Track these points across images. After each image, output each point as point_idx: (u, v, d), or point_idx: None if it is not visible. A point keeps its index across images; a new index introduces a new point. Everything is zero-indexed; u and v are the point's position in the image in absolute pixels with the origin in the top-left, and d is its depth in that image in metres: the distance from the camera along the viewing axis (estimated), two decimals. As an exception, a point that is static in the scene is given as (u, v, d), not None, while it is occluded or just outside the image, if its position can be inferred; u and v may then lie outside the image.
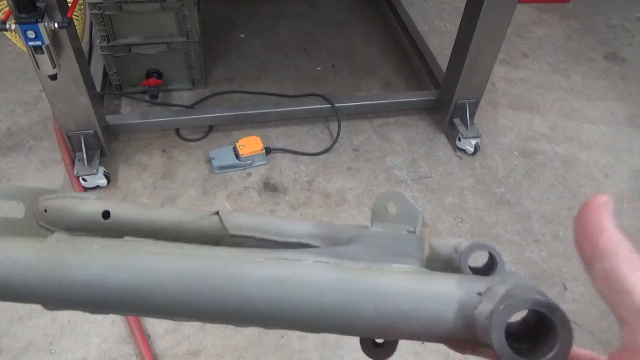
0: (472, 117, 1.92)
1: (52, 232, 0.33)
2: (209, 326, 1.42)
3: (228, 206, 1.72)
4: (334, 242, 0.32)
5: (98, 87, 1.90)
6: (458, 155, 1.96)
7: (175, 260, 0.28)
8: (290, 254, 0.29)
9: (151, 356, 1.33)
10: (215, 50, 2.33)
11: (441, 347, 1.33)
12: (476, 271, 0.31)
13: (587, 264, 0.23)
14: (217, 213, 0.35)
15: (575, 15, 2.79)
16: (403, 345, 1.40)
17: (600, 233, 0.23)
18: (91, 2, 1.75)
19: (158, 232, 0.35)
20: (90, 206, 0.35)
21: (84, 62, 1.57)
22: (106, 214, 0.35)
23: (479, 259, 0.32)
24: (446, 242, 0.33)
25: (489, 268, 0.30)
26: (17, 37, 1.39)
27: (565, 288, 1.58)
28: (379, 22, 2.61)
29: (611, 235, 0.22)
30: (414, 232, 0.32)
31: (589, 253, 0.23)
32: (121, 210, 0.35)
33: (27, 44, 1.31)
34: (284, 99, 2.12)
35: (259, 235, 0.34)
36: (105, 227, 0.35)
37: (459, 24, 1.77)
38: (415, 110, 2.11)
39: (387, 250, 0.30)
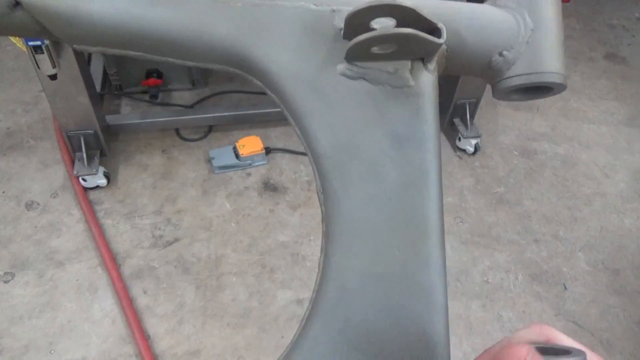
0: (472, 116, 1.92)
1: None
2: (209, 326, 1.42)
3: (228, 206, 1.72)
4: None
5: (98, 87, 1.90)
6: (458, 155, 1.96)
7: None
8: None
9: (151, 356, 1.33)
10: (215, 50, 2.33)
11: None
12: None
13: None
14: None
15: (575, 15, 2.79)
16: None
17: None
18: (91, 2, 1.75)
19: None
20: None
21: (84, 62, 1.57)
22: None
23: None
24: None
25: None
26: (17, 37, 1.39)
27: (565, 288, 1.58)
28: (379, 22, 2.61)
29: None
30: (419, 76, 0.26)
31: None
32: None
33: (27, 44, 1.31)
34: (284, 99, 2.11)
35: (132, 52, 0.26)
36: None
37: (459, 24, 1.77)
38: (415, 110, 2.10)
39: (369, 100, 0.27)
